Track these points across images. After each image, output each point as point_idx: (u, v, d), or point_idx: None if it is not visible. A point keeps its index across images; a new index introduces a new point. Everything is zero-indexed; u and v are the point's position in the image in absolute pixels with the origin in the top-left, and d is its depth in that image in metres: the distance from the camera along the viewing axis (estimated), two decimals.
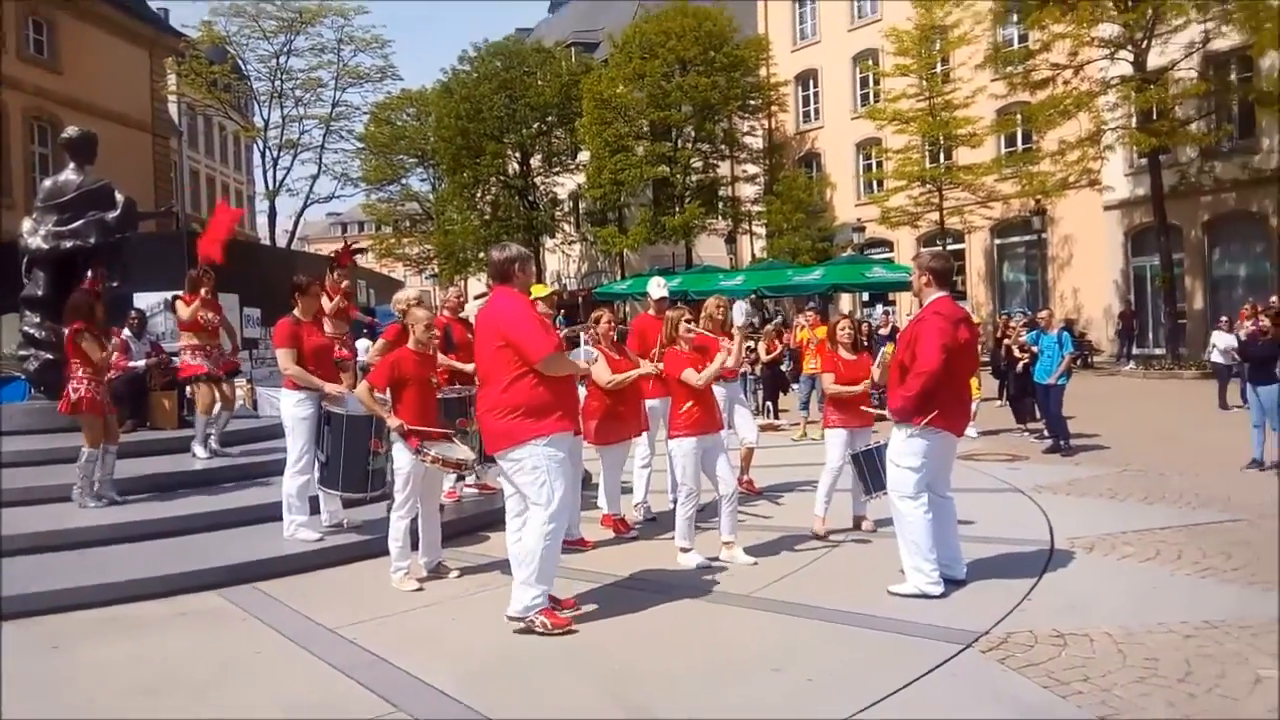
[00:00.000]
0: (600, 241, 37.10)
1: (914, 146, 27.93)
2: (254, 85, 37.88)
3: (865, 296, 31.91)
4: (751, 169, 35.56)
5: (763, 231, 35.66)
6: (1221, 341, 14.53)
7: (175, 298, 8.66)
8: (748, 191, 36.12)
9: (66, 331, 7.54)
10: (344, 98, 41.65)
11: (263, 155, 38.80)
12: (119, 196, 10.09)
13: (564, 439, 5.09)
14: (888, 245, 32.03)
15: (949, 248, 28.27)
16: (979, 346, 10.09)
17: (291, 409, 6.53)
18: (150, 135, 35.27)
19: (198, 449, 8.42)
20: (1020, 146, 27.81)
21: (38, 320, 9.70)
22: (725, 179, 35.65)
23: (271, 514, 7.06)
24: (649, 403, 7.47)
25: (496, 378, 4.98)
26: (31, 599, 5.60)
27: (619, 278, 38.79)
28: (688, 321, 6.44)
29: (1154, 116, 20.83)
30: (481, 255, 46.49)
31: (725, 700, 4.05)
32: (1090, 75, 22.45)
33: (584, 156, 43.40)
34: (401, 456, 5.89)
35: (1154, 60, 21.19)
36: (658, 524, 7.58)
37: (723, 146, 35.56)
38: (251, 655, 4.84)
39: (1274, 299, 15.28)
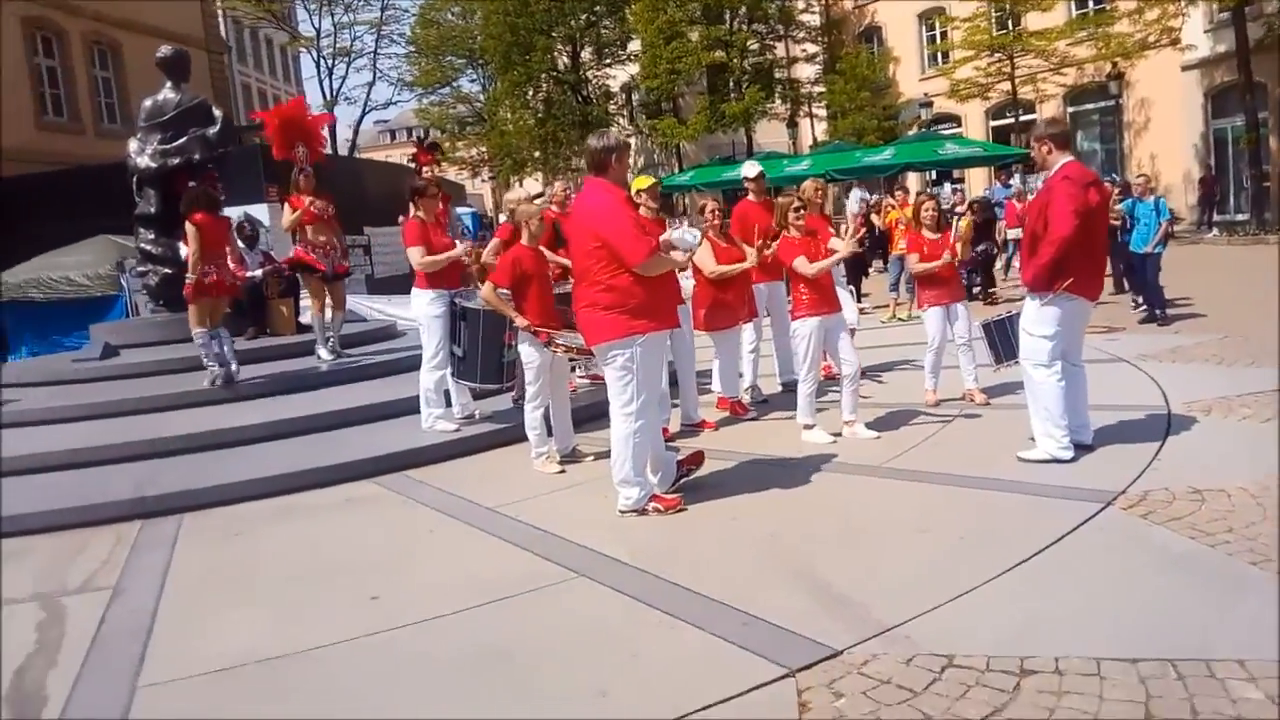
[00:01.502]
0: (659, 133, 36.55)
1: (981, 13, 26.93)
2: None
3: (932, 175, 31.30)
4: (810, 48, 34.57)
5: (823, 113, 34.93)
6: None
7: (283, 199, 8.89)
8: (806, 72, 35.22)
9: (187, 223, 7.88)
10: (392, 1, 40.98)
11: (317, 65, 38.64)
12: (216, 112, 10.32)
13: (658, 338, 5.16)
14: (955, 120, 31.23)
15: (1021, 118, 27.50)
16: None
17: (425, 307, 6.80)
18: (205, 52, 35.33)
19: (321, 351, 8.79)
20: (1092, 7, 26.73)
21: (152, 237, 10.07)
22: (782, 60, 34.74)
23: (402, 409, 7.49)
24: (756, 287, 7.61)
25: (593, 274, 5.03)
26: (199, 494, 6.08)
27: (677, 170, 38.45)
28: (797, 209, 6.53)
29: None
30: (538, 154, 46.44)
31: (886, 558, 4.31)
32: None
33: (634, 46, 42.68)
34: (529, 350, 6.13)
35: None
36: (769, 405, 7.81)
37: (778, 26, 34.61)
38: (426, 534, 5.22)
39: None
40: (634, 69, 42.46)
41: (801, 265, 6.33)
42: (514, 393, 7.51)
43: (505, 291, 6.30)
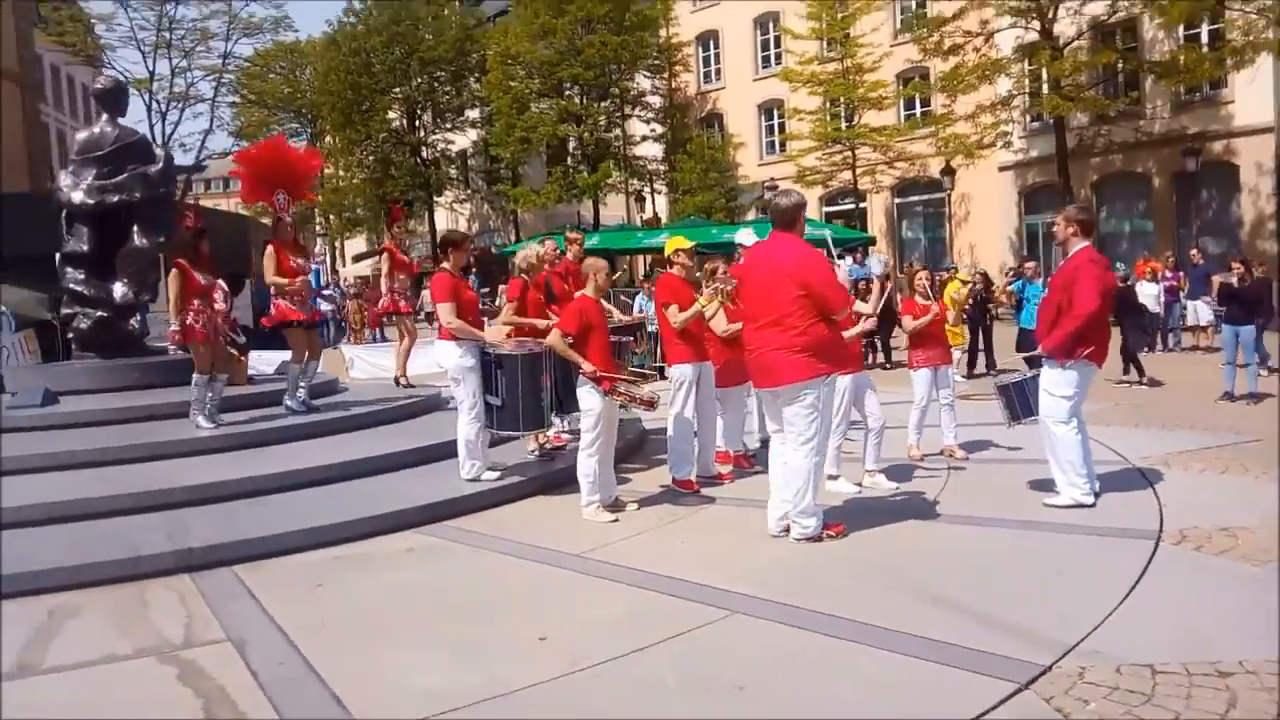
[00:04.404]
0: (510, 200, 36.95)
1: (823, 109, 29.08)
2: (138, 35, 35.59)
3: None
4: (658, 128, 36.02)
5: (663, 189, 36.37)
6: (1150, 290, 16.07)
7: (266, 243, 8.59)
8: (651, 151, 36.58)
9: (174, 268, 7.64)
10: (236, 49, 39.77)
11: (149, 109, 36.68)
12: (158, 150, 9.89)
13: (836, 380, 5.69)
14: None
15: (859, 206, 29.64)
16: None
17: (457, 360, 6.76)
18: (18, 87, 32.93)
19: (290, 401, 8.46)
20: (919, 110, 29.39)
21: (82, 277, 9.43)
22: (632, 138, 36.00)
23: (412, 460, 7.46)
24: None
25: (789, 320, 5.41)
26: (244, 545, 5.76)
27: (514, 238, 38.92)
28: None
29: (1059, 84, 22.41)
30: (367, 214, 45.54)
31: (1009, 588, 4.71)
32: (995, 43, 24.00)
33: (474, 114, 43.06)
34: (591, 398, 6.26)
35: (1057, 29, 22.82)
36: (755, 458, 8.17)
37: (625, 107, 35.91)
38: (531, 581, 5.21)
39: (1192, 251, 16.97)
40: (474, 135, 42.89)
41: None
42: (530, 446, 7.57)
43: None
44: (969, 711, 3.41)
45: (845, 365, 5.75)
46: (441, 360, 6.94)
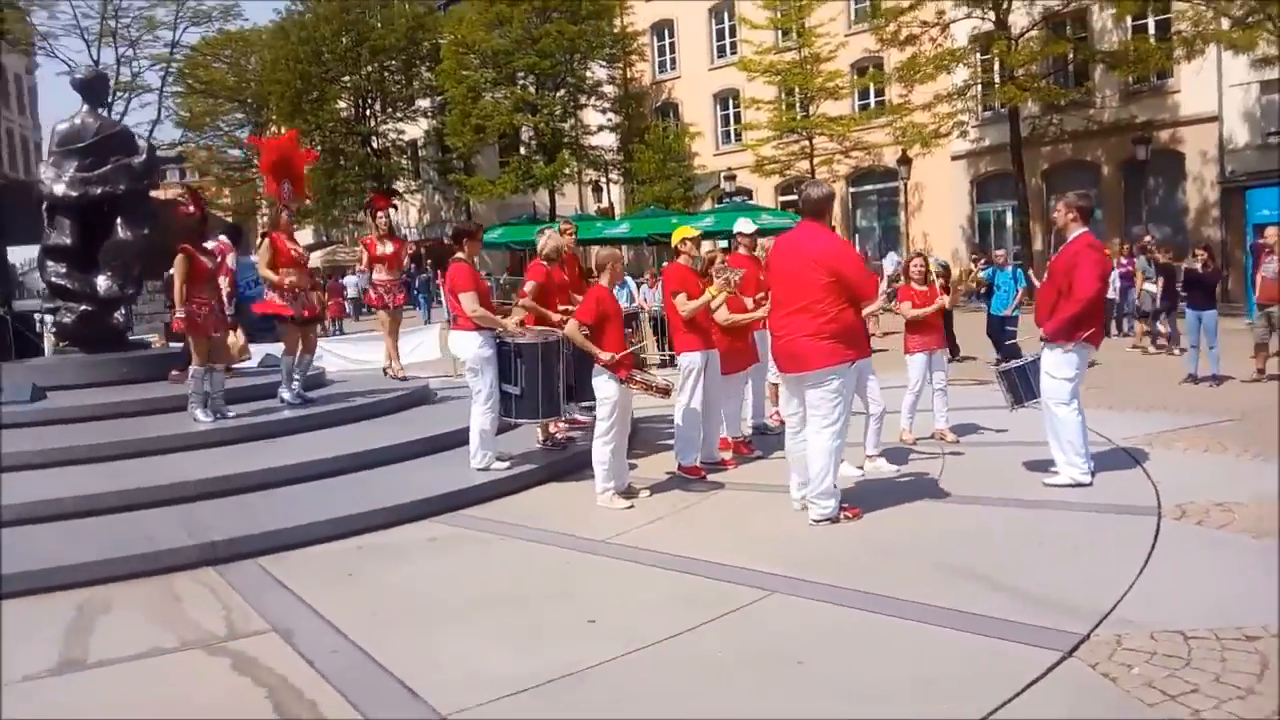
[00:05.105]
0: (466, 190, 36.71)
1: (780, 99, 29.36)
2: (82, 24, 34.67)
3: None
4: (614, 118, 36.03)
5: (618, 179, 36.45)
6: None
7: (263, 235, 8.55)
8: (606, 140, 36.60)
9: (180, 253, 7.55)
10: (183, 38, 38.93)
11: None
12: (140, 141, 9.74)
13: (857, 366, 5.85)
14: (748, 193, 33.42)
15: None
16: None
17: (476, 350, 6.79)
18: None
19: (285, 394, 8.42)
20: (874, 100, 29.79)
21: (64, 270, 9.26)
22: (587, 128, 35.95)
23: (418, 450, 7.46)
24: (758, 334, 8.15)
25: (820, 307, 5.54)
26: (266, 538, 5.74)
27: None
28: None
29: (1013, 74, 22.91)
30: (307, 202, 44.69)
31: (1031, 563, 4.90)
32: (951, 33, 24.43)
33: (425, 103, 42.67)
34: (607, 386, 6.34)
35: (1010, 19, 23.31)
36: (753, 444, 8.31)
37: (580, 96, 35.87)
38: (563, 566, 5.29)
39: (1145, 238, 17.48)
40: (425, 125, 42.51)
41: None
42: (540, 435, 7.63)
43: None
44: (1023, 678, 3.58)
45: (865, 352, 5.92)
46: (459, 350, 6.97)
